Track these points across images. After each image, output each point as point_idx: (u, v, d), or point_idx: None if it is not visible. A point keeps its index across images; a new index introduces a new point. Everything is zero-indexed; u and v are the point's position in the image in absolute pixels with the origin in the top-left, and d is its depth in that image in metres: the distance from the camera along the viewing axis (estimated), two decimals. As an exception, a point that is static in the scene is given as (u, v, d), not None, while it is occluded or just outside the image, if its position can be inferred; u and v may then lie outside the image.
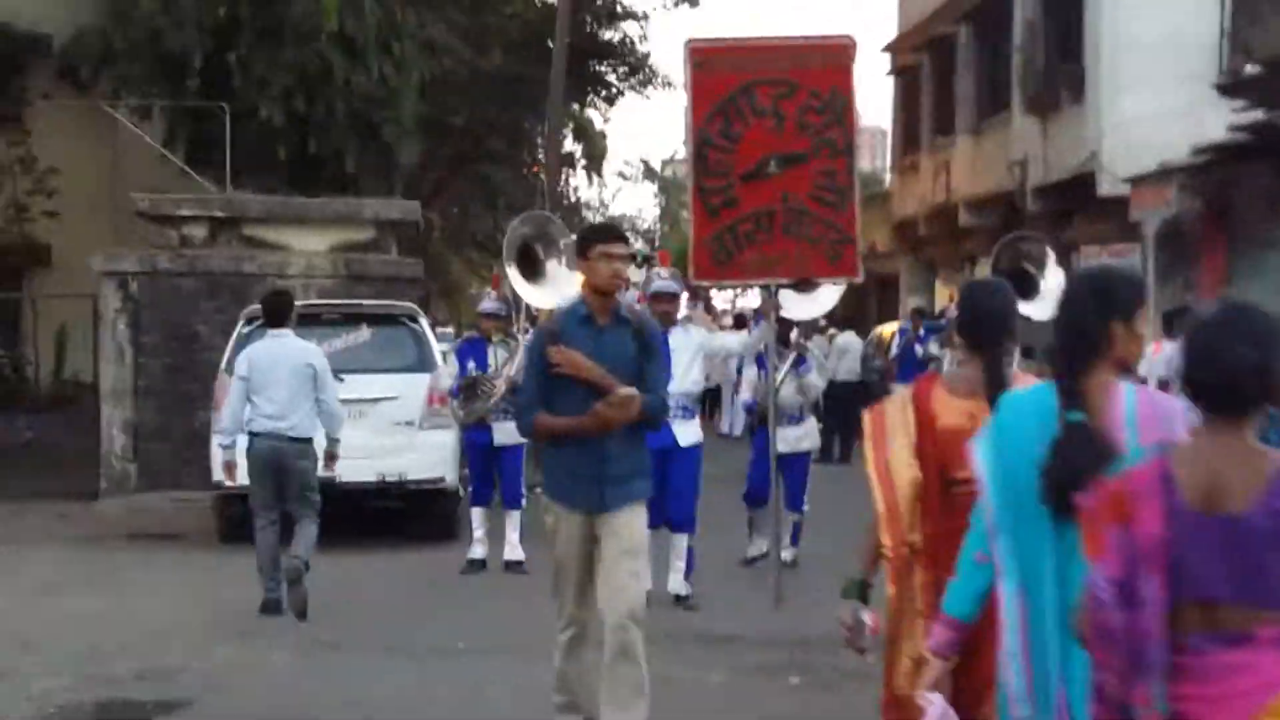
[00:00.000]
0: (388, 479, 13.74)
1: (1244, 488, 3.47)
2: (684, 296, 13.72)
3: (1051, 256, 13.10)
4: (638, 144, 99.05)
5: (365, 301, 14.87)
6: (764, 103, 10.59)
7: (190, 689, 8.84)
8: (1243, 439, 3.56)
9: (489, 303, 12.82)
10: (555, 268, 12.49)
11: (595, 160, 35.17)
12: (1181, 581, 3.46)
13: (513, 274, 12.26)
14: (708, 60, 10.70)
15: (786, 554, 12.68)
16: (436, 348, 14.56)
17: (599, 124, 30.76)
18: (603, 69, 28.43)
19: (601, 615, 7.01)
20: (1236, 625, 3.45)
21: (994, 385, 5.08)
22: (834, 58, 10.76)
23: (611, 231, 7.19)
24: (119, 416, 17.83)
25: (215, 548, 14.11)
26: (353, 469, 13.47)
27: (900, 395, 5.48)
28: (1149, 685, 3.48)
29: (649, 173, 48.19)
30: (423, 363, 14.12)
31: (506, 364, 12.49)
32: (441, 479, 14.02)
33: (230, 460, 11.26)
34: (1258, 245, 20.63)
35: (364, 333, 14.08)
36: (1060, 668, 4.15)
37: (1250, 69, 22.16)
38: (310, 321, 14.15)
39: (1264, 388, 3.55)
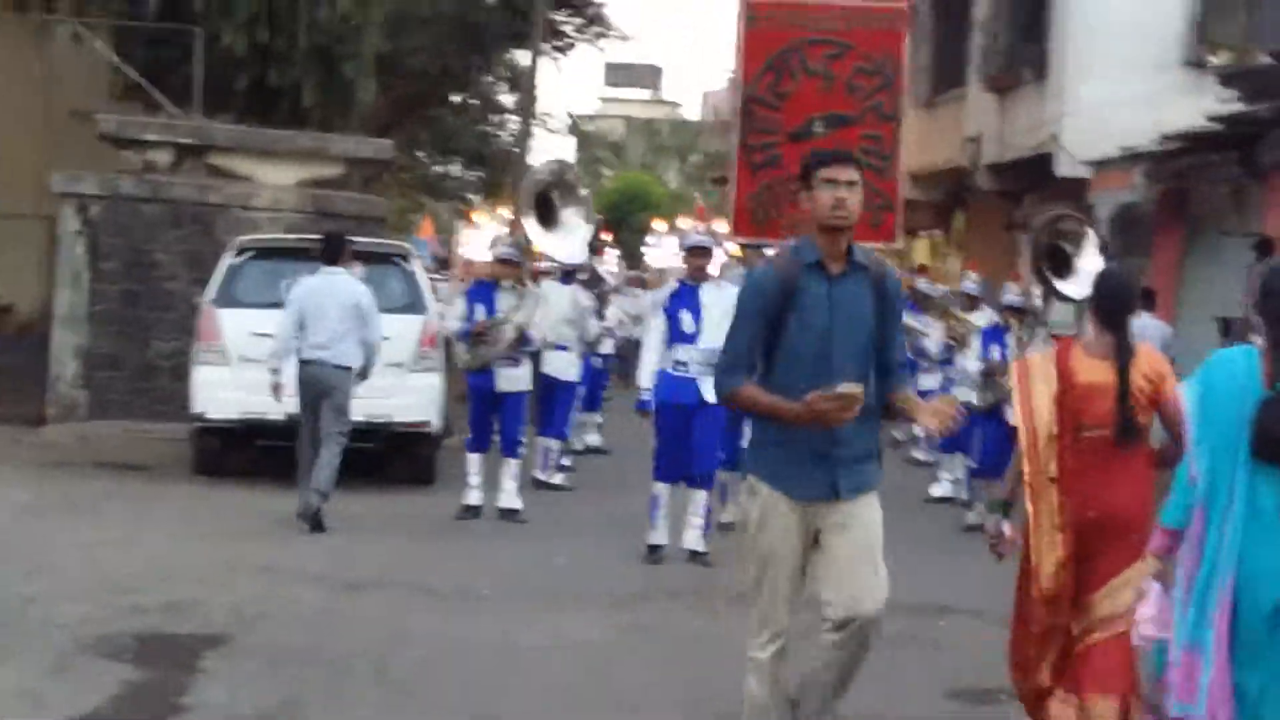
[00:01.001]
0: (374, 420, 13.47)
1: None
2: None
3: (1092, 238, 13.19)
4: (553, 97, 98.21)
5: (359, 239, 14.57)
6: (815, 62, 10.50)
7: (224, 624, 8.63)
8: None
9: (503, 247, 12.62)
10: (570, 216, 12.39)
11: (528, 110, 34.84)
12: None
13: (528, 220, 12.14)
14: (762, 15, 10.58)
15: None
16: (428, 289, 14.33)
17: (549, 74, 30.43)
18: (557, 18, 28.20)
19: (832, 615, 5.83)
20: None
21: (1124, 352, 6.45)
22: (888, 21, 10.70)
23: (836, 154, 5.95)
24: (71, 342, 17.38)
25: (191, 480, 13.82)
26: (339, 408, 13.29)
27: (1043, 354, 6.90)
28: None
29: (575, 128, 47.97)
30: (414, 304, 13.90)
31: (515, 310, 12.29)
32: (427, 423, 13.82)
33: (277, 382, 11.80)
34: (1215, 234, 20.90)
35: (357, 271, 13.77)
36: (1235, 570, 5.07)
37: (1214, 60, 22.45)
38: (301, 255, 13.93)
39: None
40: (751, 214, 10.67)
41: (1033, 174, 23.35)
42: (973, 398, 13.20)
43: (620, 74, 71.53)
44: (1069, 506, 6.39)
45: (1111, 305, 6.60)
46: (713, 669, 8.27)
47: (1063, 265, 13.28)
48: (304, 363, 11.77)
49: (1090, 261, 13.31)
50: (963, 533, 12.88)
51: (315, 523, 11.52)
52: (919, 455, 17.64)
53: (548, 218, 12.25)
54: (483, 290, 12.61)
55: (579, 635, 8.85)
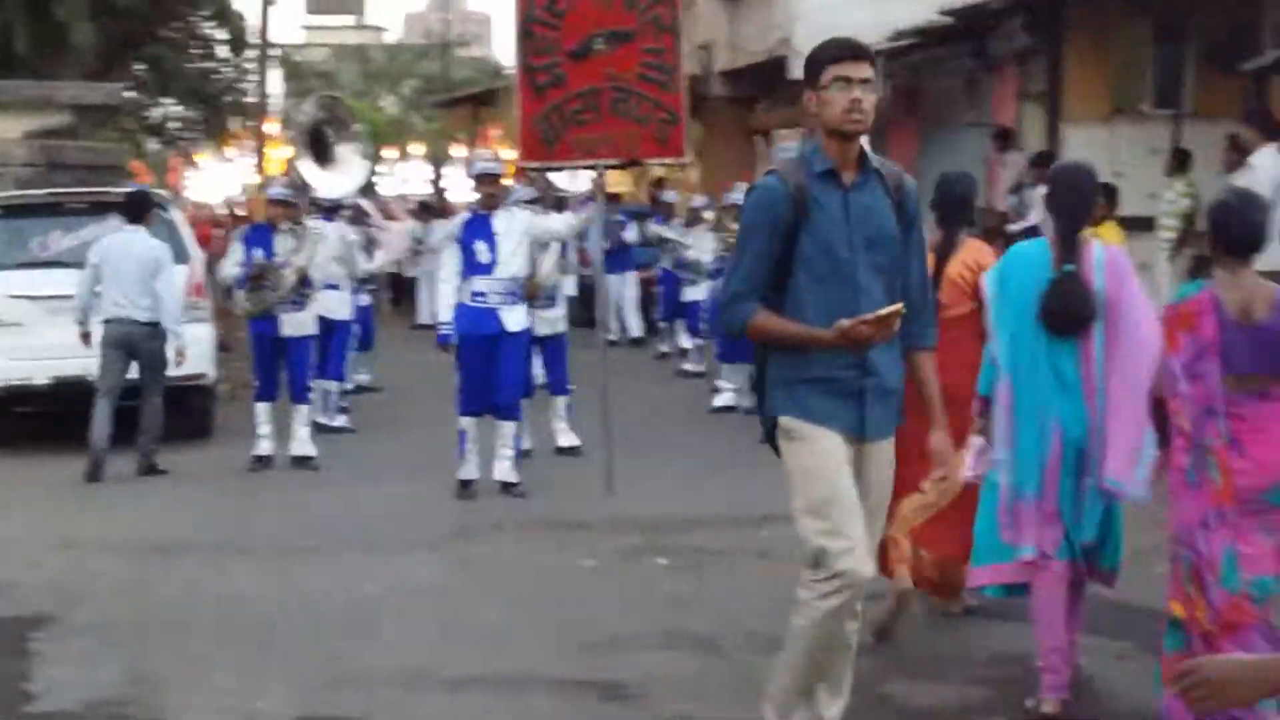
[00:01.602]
0: (146, 375, 12.98)
1: (1264, 307, 5.43)
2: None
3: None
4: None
5: (113, 189, 13.98)
6: (591, -22, 10.34)
7: (41, 603, 8.19)
8: (1253, 275, 5.53)
9: (277, 188, 12.14)
10: (345, 152, 12.11)
11: (237, 42, 33.83)
12: (1227, 363, 5.39)
13: (302, 159, 11.82)
14: (536, -69, 10.37)
15: (565, 439, 12.58)
16: (190, 237, 13.82)
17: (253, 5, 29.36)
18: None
19: None
20: (1259, 386, 5.40)
21: (945, 245, 7.36)
22: (661, -67, 10.57)
23: (849, 47, 5.19)
24: None
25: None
26: (107, 365, 12.80)
27: None
28: (1217, 422, 5.38)
29: (285, 59, 46.71)
30: (178, 253, 13.31)
31: (295, 252, 11.91)
32: (203, 374, 13.35)
33: (86, 332, 12.08)
34: (950, 127, 21.39)
35: (113, 222, 13.21)
36: (1057, 421, 6.05)
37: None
38: (53, 211, 13.36)
39: (1262, 241, 5.57)
40: (540, 137, 10.47)
41: (767, 78, 23.54)
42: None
43: (322, 1, 70.09)
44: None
45: (949, 206, 7.52)
46: (562, 600, 8.22)
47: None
48: (107, 322, 11.91)
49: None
50: (760, 443, 12.87)
51: (148, 470, 11.91)
52: (689, 367, 17.68)
53: (322, 155, 11.95)
54: (259, 233, 12.18)
55: (419, 578, 8.67)
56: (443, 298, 10.68)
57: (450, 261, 10.62)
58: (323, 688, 6.72)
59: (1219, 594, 5.30)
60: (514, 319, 10.63)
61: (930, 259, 6.97)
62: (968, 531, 6.48)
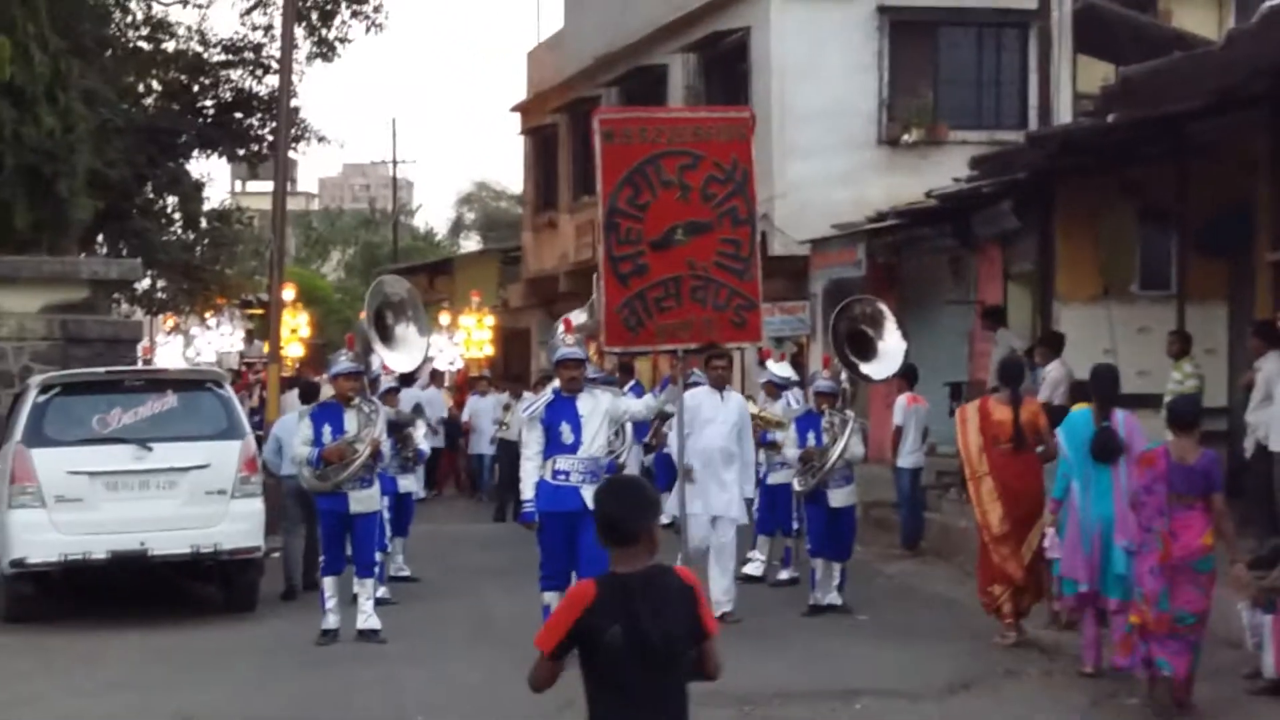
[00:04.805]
0: (202, 550, 13.28)
1: (1193, 457, 9.51)
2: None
3: (889, 318, 13.85)
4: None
5: (170, 367, 14.31)
6: (670, 173, 10.96)
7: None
8: (1192, 439, 9.64)
9: (346, 363, 12.43)
10: (405, 331, 12.59)
11: (191, 217, 34.27)
12: (1171, 486, 9.46)
13: (374, 336, 12.29)
14: (616, 131, 10.99)
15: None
16: (243, 413, 14.16)
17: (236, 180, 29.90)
18: (252, 123, 27.98)
19: None
20: (1189, 502, 9.47)
21: (1015, 401, 11.88)
22: (734, 130, 11.25)
23: None
24: None
25: (8, 630, 13.23)
26: (165, 540, 13.12)
27: (972, 404, 12.41)
28: (1165, 520, 9.44)
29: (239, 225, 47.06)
30: (232, 429, 13.68)
31: (366, 427, 12.25)
32: (257, 548, 13.63)
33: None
34: (928, 304, 22.15)
35: (170, 399, 13.55)
36: (1097, 521, 10.51)
37: (908, 137, 23.85)
38: (112, 389, 13.67)
39: (1192, 425, 9.82)
40: (623, 323, 11.00)
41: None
42: (795, 483, 13.73)
43: (251, 167, 70.51)
44: (998, 485, 11.68)
45: (1009, 377, 12.11)
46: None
47: (865, 348, 13.93)
48: (286, 478, 14.35)
49: (892, 342, 13.99)
50: (807, 615, 13.26)
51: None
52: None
53: (383, 334, 12.44)
54: (328, 411, 12.46)
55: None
56: (526, 476, 11.07)
57: (533, 441, 11.03)
58: None
59: (1154, 613, 9.43)
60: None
61: (1008, 411, 11.76)
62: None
